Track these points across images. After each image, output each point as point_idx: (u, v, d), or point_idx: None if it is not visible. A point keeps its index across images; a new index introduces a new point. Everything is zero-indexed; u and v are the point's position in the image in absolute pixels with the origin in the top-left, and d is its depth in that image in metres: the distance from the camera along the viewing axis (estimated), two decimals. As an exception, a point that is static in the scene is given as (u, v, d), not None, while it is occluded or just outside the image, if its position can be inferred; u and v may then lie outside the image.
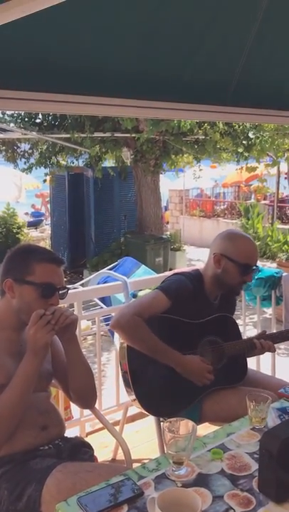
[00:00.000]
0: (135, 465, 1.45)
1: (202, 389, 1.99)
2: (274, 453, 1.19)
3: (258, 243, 11.07)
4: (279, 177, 13.56)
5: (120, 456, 2.61)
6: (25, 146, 9.51)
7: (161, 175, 10.31)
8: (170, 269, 7.57)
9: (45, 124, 8.54)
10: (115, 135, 8.38)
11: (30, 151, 9.42)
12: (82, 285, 5.84)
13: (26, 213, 16.33)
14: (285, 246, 10.32)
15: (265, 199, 14.63)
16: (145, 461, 1.45)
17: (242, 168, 8.93)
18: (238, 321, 3.79)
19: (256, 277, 3.43)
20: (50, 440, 1.66)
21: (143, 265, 5.26)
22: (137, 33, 1.94)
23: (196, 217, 13.99)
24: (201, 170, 9.58)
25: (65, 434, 1.79)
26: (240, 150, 7.83)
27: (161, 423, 1.37)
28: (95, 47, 1.90)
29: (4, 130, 8.20)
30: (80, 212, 10.47)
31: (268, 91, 2.58)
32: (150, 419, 2.38)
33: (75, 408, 2.92)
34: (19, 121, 8.37)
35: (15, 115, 8.42)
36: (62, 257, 2.15)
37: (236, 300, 2.37)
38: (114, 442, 2.75)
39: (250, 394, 1.59)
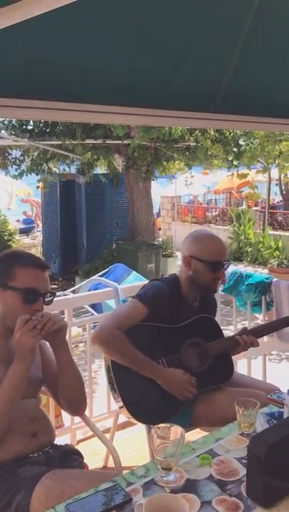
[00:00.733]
0: (126, 472, 1.44)
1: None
2: (261, 458, 1.20)
3: (249, 249, 11.15)
4: (270, 183, 13.65)
5: (111, 463, 2.59)
6: (16, 153, 9.50)
7: (153, 181, 10.34)
8: (162, 275, 7.58)
9: (37, 130, 8.55)
10: (107, 142, 8.41)
11: (21, 157, 9.41)
12: (74, 292, 5.82)
13: (18, 220, 16.29)
14: (277, 252, 10.38)
15: (256, 205, 14.71)
16: (136, 468, 1.45)
17: (233, 174, 8.99)
18: (230, 327, 3.82)
19: (247, 283, 3.45)
20: (40, 447, 1.66)
21: (134, 271, 5.27)
22: (126, 40, 1.96)
23: (187, 224, 14.03)
24: (192, 176, 9.63)
25: (56, 442, 1.78)
26: (230, 158, 7.88)
27: (151, 429, 1.37)
28: (85, 55, 1.91)
29: (-5, 137, 8.20)
30: (71, 219, 10.47)
31: (256, 98, 2.60)
32: (141, 427, 2.37)
33: (66, 416, 2.91)
34: (10, 128, 8.37)
35: (6, 122, 8.42)
36: (49, 263, 2.14)
37: (216, 301, 2.39)
38: (105, 450, 2.74)
39: (239, 399, 1.59)
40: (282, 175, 13.01)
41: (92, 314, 4.20)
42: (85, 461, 1.81)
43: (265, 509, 1.21)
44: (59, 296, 4.27)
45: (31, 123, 8.53)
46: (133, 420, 2.02)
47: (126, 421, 3.01)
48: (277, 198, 16.10)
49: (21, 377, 1.54)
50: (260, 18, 2.14)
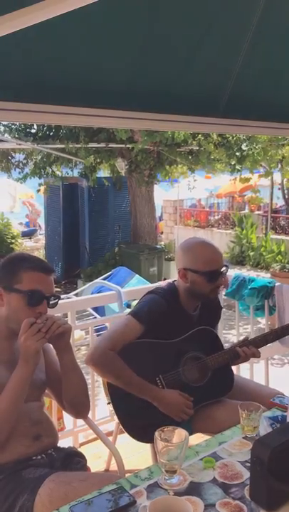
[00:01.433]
0: (129, 475, 1.44)
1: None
2: (265, 461, 1.20)
3: (251, 253, 11.15)
4: (272, 187, 13.65)
5: (113, 466, 2.60)
6: (19, 157, 9.54)
7: (155, 185, 10.37)
8: (164, 279, 7.59)
9: (40, 134, 8.59)
10: (110, 146, 8.44)
11: (24, 161, 9.45)
12: (76, 295, 5.83)
13: (20, 223, 16.33)
14: (279, 256, 10.37)
15: (258, 209, 14.71)
16: (139, 471, 1.46)
17: (236, 178, 9.00)
18: (233, 331, 3.81)
19: (249, 287, 3.46)
20: (43, 450, 1.66)
21: (137, 275, 5.28)
22: (130, 45, 1.97)
23: (190, 228, 14.03)
24: (195, 180, 9.64)
25: (59, 445, 1.79)
26: (232, 162, 7.90)
27: (155, 432, 1.37)
28: (88, 59, 1.93)
29: (-1, 140, 8.24)
30: (74, 222, 10.50)
31: (260, 103, 2.61)
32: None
33: (68, 419, 2.91)
34: (14, 131, 8.41)
35: (9, 126, 8.46)
36: (53, 266, 2.15)
37: (220, 305, 2.31)
38: (107, 453, 2.74)
39: (243, 403, 1.60)
40: (285, 179, 13.00)
41: (95, 317, 4.21)
42: (87, 464, 1.82)
43: (268, 512, 1.22)
44: (62, 299, 4.28)
45: (35, 126, 8.57)
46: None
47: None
48: (279, 202, 16.10)
49: (25, 380, 1.55)
50: (264, 23, 2.15)
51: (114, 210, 10.57)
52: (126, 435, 2.98)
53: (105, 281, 4.24)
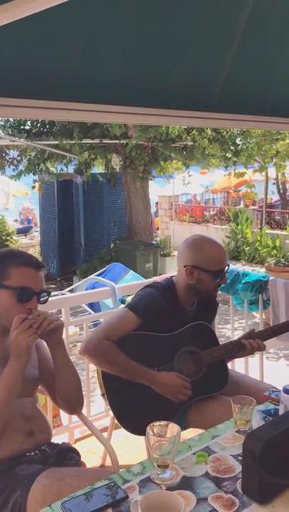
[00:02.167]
0: (122, 470, 1.44)
1: (182, 404, 1.95)
2: (257, 454, 1.20)
3: (247, 248, 11.17)
4: (267, 182, 13.66)
5: (109, 462, 2.59)
6: (13, 153, 9.49)
7: (150, 181, 10.35)
8: (160, 275, 7.59)
9: (34, 130, 8.55)
10: (104, 141, 8.41)
11: (19, 158, 9.40)
12: (71, 291, 5.83)
13: (16, 220, 16.28)
14: (274, 251, 10.39)
15: (253, 204, 14.73)
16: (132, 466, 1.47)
17: (230, 174, 9.00)
18: (228, 326, 3.82)
19: (243, 282, 3.46)
20: (37, 446, 1.66)
21: (131, 271, 5.27)
22: (122, 39, 1.96)
23: (185, 223, 14.04)
24: (190, 176, 9.63)
25: (54, 441, 1.79)
26: (228, 155, 7.89)
27: (147, 427, 1.37)
28: (81, 53, 1.91)
29: (-8, 137, 8.20)
30: (69, 218, 10.48)
31: (252, 97, 2.61)
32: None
33: (63, 414, 2.91)
34: (8, 128, 8.37)
35: (3, 122, 8.42)
36: (45, 262, 2.14)
37: (216, 302, 2.32)
38: (102, 448, 2.74)
39: (235, 397, 1.60)
40: (280, 174, 13.02)
41: (90, 313, 4.21)
42: (82, 459, 1.82)
43: (260, 505, 1.22)
44: (56, 295, 4.27)
45: (29, 123, 8.53)
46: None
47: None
48: (274, 197, 16.13)
49: (17, 376, 1.54)
50: (255, 17, 2.15)
51: (109, 206, 10.55)
52: (122, 430, 2.98)
53: (99, 278, 4.24)
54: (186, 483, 1.32)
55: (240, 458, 1.40)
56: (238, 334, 3.85)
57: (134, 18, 1.90)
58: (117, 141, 8.33)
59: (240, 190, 15.72)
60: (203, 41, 2.18)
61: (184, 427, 2.01)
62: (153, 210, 13.90)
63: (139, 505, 1.08)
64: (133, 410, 1.96)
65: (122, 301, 3.69)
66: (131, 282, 4.17)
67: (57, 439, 2.03)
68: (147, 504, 1.09)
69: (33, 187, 10.17)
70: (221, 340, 2.19)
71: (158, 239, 12.02)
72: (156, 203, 15.68)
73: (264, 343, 2.12)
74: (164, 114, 2.42)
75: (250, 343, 2.06)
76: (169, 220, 14.83)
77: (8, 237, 11.31)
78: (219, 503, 1.23)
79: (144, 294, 2.04)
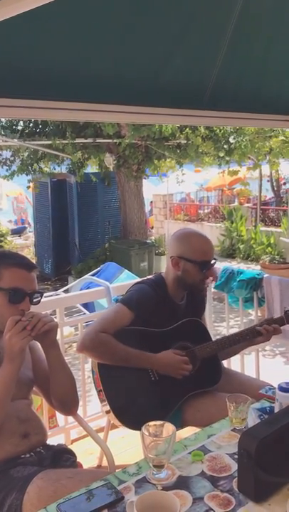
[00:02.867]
0: (117, 471, 1.43)
1: (178, 398, 1.97)
2: (252, 453, 1.20)
3: (241, 246, 11.18)
4: (261, 180, 13.68)
5: (106, 462, 2.60)
6: (6, 154, 9.45)
7: (144, 180, 10.33)
8: (154, 274, 7.58)
9: (27, 131, 8.52)
10: (97, 141, 8.39)
11: (11, 158, 9.36)
12: (66, 292, 5.81)
13: (10, 221, 16.23)
14: (269, 248, 10.41)
15: (248, 202, 14.76)
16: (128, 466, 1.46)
17: (224, 171, 9.00)
18: (223, 324, 3.82)
19: (238, 279, 3.46)
20: (32, 448, 1.65)
21: (126, 270, 5.27)
22: (112, 38, 1.95)
23: (180, 222, 14.04)
24: (183, 174, 9.62)
25: (50, 442, 1.78)
26: (221, 154, 7.89)
27: (142, 427, 1.37)
28: (71, 52, 1.90)
29: (-15, 138, 8.16)
30: (63, 218, 10.45)
31: (244, 94, 2.60)
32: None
33: (60, 416, 2.90)
34: (0, 128, 8.33)
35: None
36: (38, 263, 2.14)
37: (205, 297, 2.37)
38: (99, 449, 2.73)
39: (231, 395, 1.60)
40: (273, 171, 13.05)
41: (85, 313, 4.19)
42: (79, 460, 1.81)
43: (256, 504, 1.22)
44: (51, 295, 4.26)
45: (21, 123, 8.50)
46: (118, 424, 2.00)
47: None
48: (268, 194, 16.16)
49: (11, 379, 1.53)
50: (245, 14, 2.14)
51: (104, 206, 10.53)
52: (118, 430, 3.00)
53: (94, 277, 4.22)
54: (182, 483, 1.31)
55: (236, 456, 1.40)
56: (233, 332, 3.88)
57: (125, 17, 1.89)
58: (110, 141, 8.32)
59: (234, 188, 15.74)
60: (194, 39, 2.17)
61: (180, 425, 2.02)
62: (147, 208, 13.91)
63: (135, 506, 1.07)
64: (131, 403, 1.96)
65: (117, 301, 3.68)
66: (125, 282, 4.16)
67: (53, 440, 2.02)
68: (143, 505, 1.08)
69: (28, 187, 10.13)
70: (217, 338, 2.20)
71: (153, 238, 12.02)
72: (151, 201, 15.68)
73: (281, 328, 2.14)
74: (156, 112, 2.41)
75: (265, 328, 2.09)
76: (163, 219, 14.83)
77: (2, 238, 11.28)
78: (215, 502, 1.23)
79: (136, 289, 2.09)
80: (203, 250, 2.06)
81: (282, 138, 7.27)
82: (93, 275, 4.93)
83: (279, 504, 1.22)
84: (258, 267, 8.81)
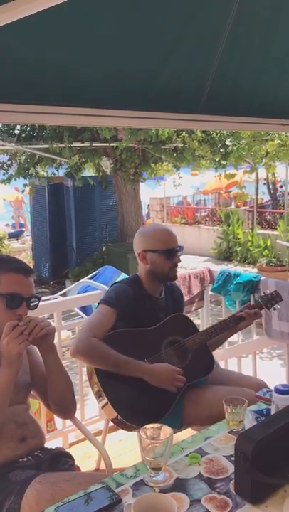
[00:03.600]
0: (114, 474, 1.44)
1: (174, 395, 2.00)
2: (249, 455, 1.21)
3: (238, 249, 11.20)
4: (258, 183, 13.71)
5: (104, 465, 2.60)
6: (3, 158, 9.45)
7: (141, 183, 10.34)
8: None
9: (24, 135, 8.51)
10: (94, 144, 8.40)
11: (8, 162, 9.36)
12: (63, 295, 5.81)
13: (7, 225, 16.21)
14: (266, 251, 10.42)
15: (245, 205, 14.77)
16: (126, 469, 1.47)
17: (220, 175, 9.02)
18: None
19: (235, 282, 3.47)
20: (30, 452, 1.66)
21: (123, 273, 5.27)
22: (109, 44, 1.97)
23: (177, 225, 14.05)
24: (180, 178, 9.63)
25: (49, 446, 1.78)
26: (217, 158, 7.91)
27: (139, 430, 1.37)
28: (68, 58, 1.92)
29: (-18, 142, 8.16)
30: (60, 222, 10.45)
31: (240, 99, 2.63)
32: (133, 428, 2.38)
33: (58, 419, 2.90)
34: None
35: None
36: (36, 267, 2.15)
37: (179, 288, 2.46)
38: (97, 452, 2.73)
39: (227, 398, 1.60)
40: (270, 174, 13.08)
41: (82, 317, 4.19)
42: (77, 464, 1.82)
43: (253, 506, 1.22)
44: (48, 299, 4.26)
45: (18, 127, 8.50)
46: (114, 416, 1.99)
47: (118, 423, 3.02)
48: (265, 197, 16.19)
49: (8, 383, 1.54)
50: (241, 19, 2.16)
51: (101, 209, 10.53)
52: (116, 433, 3.01)
53: (91, 281, 4.23)
54: (180, 485, 1.32)
55: (232, 459, 1.40)
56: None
57: (122, 22, 1.91)
58: (107, 144, 8.32)
59: (231, 191, 15.77)
60: (189, 44, 2.19)
61: (181, 423, 2.05)
62: (145, 212, 13.91)
63: (132, 509, 1.08)
64: (131, 404, 1.98)
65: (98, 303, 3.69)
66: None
67: (51, 443, 2.02)
68: (140, 507, 1.09)
69: (23, 191, 10.12)
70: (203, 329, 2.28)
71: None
72: (148, 205, 15.69)
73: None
74: (153, 116, 2.43)
75: (247, 312, 2.22)
76: (160, 222, 14.85)
77: (0, 242, 11.27)
78: (212, 505, 1.23)
79: (113, 288, 2.17)
80: (164, 239, 2.16)
81: (279, 141, 7.29)
82: (90, 279, 4.93)
83: (276, 506, 1.23)
84: (255, 270, 8.82)
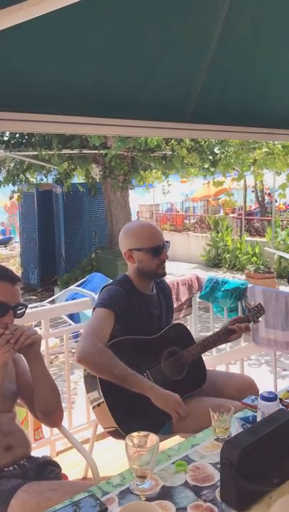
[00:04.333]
0: (101, 482, 1.43)
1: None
2: (234, 462, 1.21)
3: (227, 256, 11.25)
4: (246, 190, 13.82)
5: (91, 474, 2.59)
6: (-8, 164, 9.43)
7: (130, 190, 10.37)
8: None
9: (13, 141, 8.51)
10: (83, 152, 8.42)
11: (-3, 168, 9.35)
12: (52, 302, 5.78)
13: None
14: (254, 258, 10.49)
15: (233, 212, 14.88)
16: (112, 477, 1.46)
17: (209, 182, 9.09)
18: (209, 333, 3.84)
19: (223, 289, 3.49)
20: (15, 460, 1.64)
21: (112, 281, 5.26)
22: (96, 51, 1.98)
23: (166, 232, 14.08)
24: (169, 185, 9.68)
25: (36, 454, 1.77)
26: (206, 165, 7.98)
27: (126, 438, 1.37)
28: (56, 66, 1.93)
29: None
30: (49, 229, 10.42)
31: (227, 108, 2.65)
32: (121, 436, 2.37)
33: (46, 428, 2.88)
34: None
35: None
36: (24, 275, 2.14)
37: (168, 285, 2.44)
38: (84, 461, 2.72)
39: (214, 405, 1.61)
40: (258, 182, 13.19)
41: (70, 324, 4.18)
42: (65, 472, 1.82)
43: (239, 513, 1.23)
44: (36, 306, 4.24)
45: (7, 133, 8.49)
46: (105, 418, 1.96)
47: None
48: (254, 204, 16.33)
49: None
50: (228, 29, 2.19)
51: (90, 216, 10.54)
52: (104, 441, 2.99)
53: (79, 288, 4.22)
54: (166, 493, 1.32)
55: (219, 466, 1.41)
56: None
57: (109, 30, 1.92)
58: (97, 152, 8.35)
59: (219, 199, 15.87)
60: (177, 53, 2.22)
61: (170, 432, 2.03)
62: (134, 219, 13.93)
63: (118, 517, 1.08)
64: (126, 401, 1.93)
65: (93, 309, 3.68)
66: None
67: (39, 452, 2.01)
68: (126, 516, 1.09)
69: (11, 197, 10.09)
70: (199, 341, 2.27)
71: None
72: (138, 211, 15.72)
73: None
74: (141, 125, 2.44)
75: (238, 326, 2.22)
76: (150, 229, 14.83)
77: (-12, 249, 11.20)
78: (198, 512, 1.23)
79: (105, 291, 2.13)
80: (149, 237, 2.13)
81: (266, 149, 7.37)
82: (79, 286, 4.92)
83: (261, 512, 1.23)
84: (244, 277, 8.87)
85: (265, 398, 1.52)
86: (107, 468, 2.57)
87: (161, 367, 2.05)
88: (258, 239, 11.68)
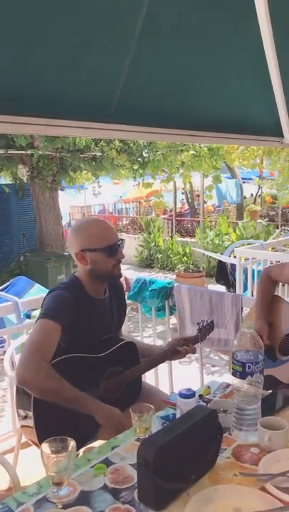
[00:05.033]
0: (16, 493, 1.38)
1: (96, 428, 1.87)
2: (150, 461, 1.20)
3: (159, 256, 11.40)
4: (176, 192, 14.08)
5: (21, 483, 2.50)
6: None
7: (61, 191, 10.21)
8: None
9: None
10: (9, 152, 8.17)
11: None
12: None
13: None
14: (184, 258, 10.70)
15: (164, 213, 15.11)
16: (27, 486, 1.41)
17: (139, 184, 9.16)
18: (138, 333, 3.86)
19: (150, 289, 3.52)
20: None
21: (37, 284, 5.14)
22: (16, 49, 1.93)
23: (99, 233, 14.01)
24: (100, 186, 9.65)
25: None
26: (135, 167, 8.04)
27: (41, 445, 1.33)
28: None
29: None
30: (-25, 231, 10.04)
31: (149, 109, 2.67)
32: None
33: None
34: None
35: None
36: None
37: (122, 285, 2.35)
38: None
39: (134, 405, 1.60)
40: (187, 183, 13.49)
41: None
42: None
43: (156, 512, 1.23)
44: None
45: None
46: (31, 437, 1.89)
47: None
48: (186, 205, 16.68)
49: None
50: (148, 30, 2.22)
51: (18, 218, 10.26)
52: (30, 449, 2.89)
53: (2, 292, 4.07)
54: (84, 499, 1.29)
55: (138, 466, 1.40)
56: (150, 341, 3.92)
57: (29, 26, 1.88)
58: (23, 152, 8.14)
59: (151, 200, 16.06)
60: (97, 52, 2.21)
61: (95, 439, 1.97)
62: (66, 220, 13.75)
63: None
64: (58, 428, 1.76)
65: (28, 316, 3.59)
66: (36, 296, 4.06)
67: None
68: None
69: None
70: (144, 361, 2.17)
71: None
72: (69, 213, 15.54)
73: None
74: (65, 124, 2.38)
75: (185, 349, 2.17)
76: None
77: None
78: (116, 515, 1.22)
79: (52, 297, 1.93)
80: (102, 235, 1.96)
81: (193, 152, 7.55)
82: (2, 290, 4.74)
83: (178, 510, 1.23)
84: (174, 276, 9.02)
85: (183, 395, 1.53)
86: (33, 476, 2.48)
87: (99, 388, 1.93)
88: (188, 239, 11.92)
